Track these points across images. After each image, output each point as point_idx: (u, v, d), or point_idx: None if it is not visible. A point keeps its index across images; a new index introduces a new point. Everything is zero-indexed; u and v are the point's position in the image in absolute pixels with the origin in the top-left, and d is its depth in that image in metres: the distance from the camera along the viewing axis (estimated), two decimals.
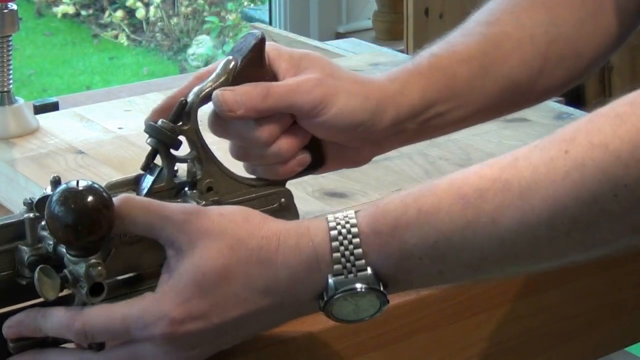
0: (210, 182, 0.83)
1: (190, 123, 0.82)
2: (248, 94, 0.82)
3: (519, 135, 1.09)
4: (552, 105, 1.19)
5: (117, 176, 0.98)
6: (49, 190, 0.74)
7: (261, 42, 0.84)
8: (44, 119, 1.13)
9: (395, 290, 0.72)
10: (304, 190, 0.96)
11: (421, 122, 0.88)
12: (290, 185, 0.96)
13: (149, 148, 0.82)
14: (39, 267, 0.71)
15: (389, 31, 2.79)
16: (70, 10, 4.43)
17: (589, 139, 0.65)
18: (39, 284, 0.71)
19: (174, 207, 0.73)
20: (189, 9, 4.37)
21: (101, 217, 0.70)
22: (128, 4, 4.37)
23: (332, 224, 0.71)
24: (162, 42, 4.38)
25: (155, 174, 0.82)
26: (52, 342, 0.75)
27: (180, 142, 0.82)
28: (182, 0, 4.36)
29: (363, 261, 0.70)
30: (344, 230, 0.70)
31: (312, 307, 0.72)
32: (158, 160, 0.83)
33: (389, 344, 0.85)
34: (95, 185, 0.71)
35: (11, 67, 1.09)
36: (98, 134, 1.10)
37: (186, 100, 0.82)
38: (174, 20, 4.38)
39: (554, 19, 0.92)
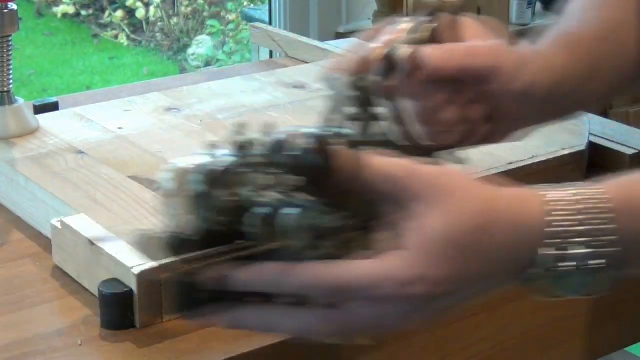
0: (394, 142, 0.81)
1: (391, 79, 0.81)
2: (452, 51, 0.82)
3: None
4: None
5: (117, 176, 0.98)
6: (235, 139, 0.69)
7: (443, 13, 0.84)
8: (44, 119, 1.13)
9: (627, 269, 0.70)
10: None
11: (574, 97, 0.89)
12: None
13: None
14: (282, 213, 0.67)
15: None
16: (70, 10, 4.44)
17: None
18: (286, 229, 0.67)
19: (419, 163, 0.70)
20: (189, 9, 4.38)
21: (330, 166, 0.67)
22: (128, 4, 4.37)
23: (581, 196, 0.69)
24: (162, 42, 4.38)
25: (351, 128, 0.79)
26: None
27: (376, 98, 0.80)
28: (182, 0, 4.36)
29: (612, 237, 0.68)
30: (596, 205, 0.69)
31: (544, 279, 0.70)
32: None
33: (389, 344, 0.85)
34: (327, 133, 0.71)
35: (11, 67, 1.09)
36: (98, 134, 1.10)
37: (384, 57, 0.81)
38: (174, 20, 4.38)
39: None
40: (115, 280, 0.82)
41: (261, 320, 0.70)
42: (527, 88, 0.84)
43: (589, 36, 0.90)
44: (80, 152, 1.05)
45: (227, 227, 0.69)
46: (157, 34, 4.39)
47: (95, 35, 4.43)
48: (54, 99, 1.22)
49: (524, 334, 0.93)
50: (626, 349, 1.26)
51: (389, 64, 0.81)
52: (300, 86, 1.24)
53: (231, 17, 4.37)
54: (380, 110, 0.81)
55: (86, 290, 0.87)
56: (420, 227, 0.67)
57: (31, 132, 1.09)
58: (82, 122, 1.13)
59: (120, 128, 1.11)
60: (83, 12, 4.45)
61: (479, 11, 2.64)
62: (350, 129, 0.79)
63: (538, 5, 3.16)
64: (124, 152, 1.05)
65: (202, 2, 4.37)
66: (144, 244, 0.71)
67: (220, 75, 1.37)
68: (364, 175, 0.68)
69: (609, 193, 0.69)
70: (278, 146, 0.68)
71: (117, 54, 4.35)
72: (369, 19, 2.84)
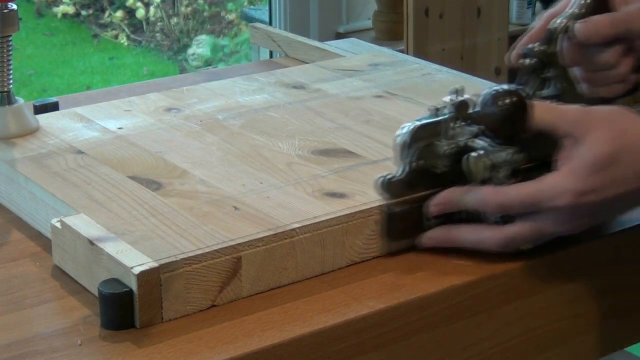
0: (568, 97, 0.99)
1: (556, 47, 1.00)
2: (600, 23, 0.99)
3: None
4: None
5: (116, 176, 0.98)
6: (447, 99, 0.91)
7: None
8: (44, 119, 1.13)
9: None
10: (304, 191, 0.96)
11: None
12: (290, 185, 0.96)
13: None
14: (470, 154, 0.90)
15: (389, 31, 2.79)
16: (70, 10, 4.44)
17: None
18: (473, 165, 0.90)
19: (568, 107, 0.90)
20: (189, 9, 4.37)
21: (524, 113, 0.88)
22: (128, 4, 4.37)
23: None
24: (162, 42, 4.38)
25: (535, 85, 1.01)
26: (463, 222, 0.91)
27: (551, 63, 1.00)
28: (182, 0, 4.36)
29: None
30: None
31: None
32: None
33: (389, 344, 0.85)
34: (519, 89, 0.90)
35: (11, 67, 1.09)
36: (98, 134, 1.10)
37: (553, 29, 1.00)
38: (174, 20, 4.38)
39: None
40: (115, 280, 0.82)
41: (453, 235, 0.91)
42: None
43: None
44: (80, 152, 1.05)
45: (428, 169, 0.91)
46: (157, 34, 4.39)
47: (95, 35, 4.42)
48: (54, 99, 1.22)
49: (524, 334, 0.93)
50: (626, 349, 1.26)
51: (549, 35, 1.00)
52: (300, 86, 1.24)
53: (231, 17, 4.37)
54: (551, 73, 1.01)
55: (86, 290, 0.87)
56: (568, 156, 0.88)
57: (31, 132, 1.09)
58: (82, 122, 1.13)
59: (120, 128, 1.11)
60: (83, 12, 4.44)
61: (478, 11, 2.64)
62: (532, 88, 1.00)
63: (538, 5, 3.16)
64: (124, 152, 1.05)
65: (202, 2, 4.37)
66: (379, 185, 0.91)
67: (220, 75, 1.37)
68: (531, 119, 0.88)
69: None
70: (468, 104, 0.91)
71: (117, 54, 4.34)
72: (369, 19, 2.84)
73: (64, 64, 4.25)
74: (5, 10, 1.07)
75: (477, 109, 0.90)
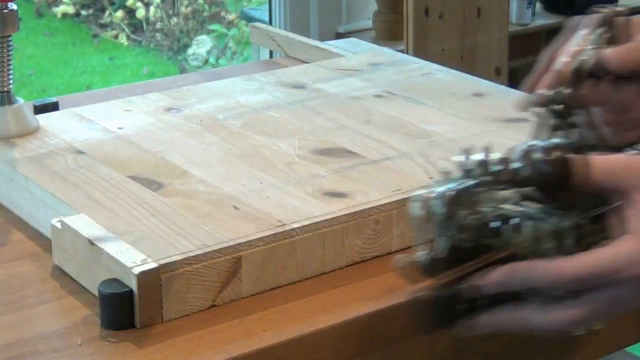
0: (593, 147, 0.85)
1: (583, 88, 0.87)
2: (628, 49, 0.87)
3: (519, 135, 1.09)
4: None
5: (116, 176, 0.98)
6: (471, 158, 0.80)
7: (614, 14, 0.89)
8: (44, 119, 1.13)
9: None
10: (304, 190, 0.96)
11: None
12: (290, 185, 0.96)
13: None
14: (530, 223, 0.76)
15: (389, 31, 2.79)
16: (70, 10, 4.44)
17: None
18: (530, 236, 0.76)
19: (626, 157, 0.78)
20: (189, 9, 4.38)
21: (576, 172, 0.76)
22: (128, 4, 4.37)
23: None
24: (162, 42, 4.38)
25: (562, 138, 0.85)
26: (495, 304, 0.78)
27: (572, 108, 0.87)
28: (182, 0, 4.36)
29: None
30: None
31: None
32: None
33: (389, 344, 0.85)
34: (569, 141, 0.80)
35: (11, 67, 1.09)
36: (98, 134, 1.10)
37: (579, 68, 0.87)
38: (174, 20, 4.38)
39: None
40: (115, 280, 0.82)
41: (517, 319, 0.77)
42: None
43: None
44: (80, 152, 1.05)
45: (471, 243, 0.77)
46: (157, 34, 4.39)
47: (95, 35, 4.43)
48: (54, 99, 1.22)
49: (523, 334, 0.93)
50: (626, 349, 1.26)
51: (578, 75, 0.87)
52: (300, 86, 1.24)
53: (231, 16, 4.37)
54: (576, 118, 0.87)
55: (86, 290, 0.87)
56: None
57: (31, 132, 1.09)
58: (82, 122, 1.13)
59: (120, 128, 1.11)
60: (83, 12, 4.45)
61: (478, 11, 2.64)
62: (562, 139, 0.85)
63: (538, 5, 3.16)
64: (124, 152, 1.05)
65: (202, 2, 4.37)
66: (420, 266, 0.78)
67: (220, 75, 1.37)
68: (590, 175, 0.76)
69: None
70: (515, 162, 0.78)
71: (117, 54, 4.35)
72: (369, 19, 2.84)
73: (64, 64, 4.25)
74: (5, 10, 1.07)
75: (520, 168, 0.77)
